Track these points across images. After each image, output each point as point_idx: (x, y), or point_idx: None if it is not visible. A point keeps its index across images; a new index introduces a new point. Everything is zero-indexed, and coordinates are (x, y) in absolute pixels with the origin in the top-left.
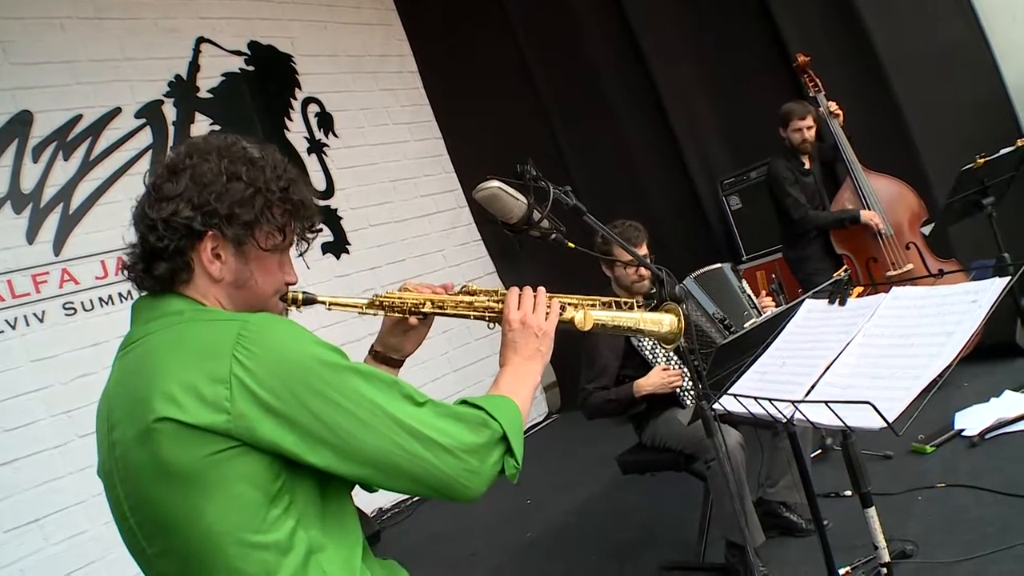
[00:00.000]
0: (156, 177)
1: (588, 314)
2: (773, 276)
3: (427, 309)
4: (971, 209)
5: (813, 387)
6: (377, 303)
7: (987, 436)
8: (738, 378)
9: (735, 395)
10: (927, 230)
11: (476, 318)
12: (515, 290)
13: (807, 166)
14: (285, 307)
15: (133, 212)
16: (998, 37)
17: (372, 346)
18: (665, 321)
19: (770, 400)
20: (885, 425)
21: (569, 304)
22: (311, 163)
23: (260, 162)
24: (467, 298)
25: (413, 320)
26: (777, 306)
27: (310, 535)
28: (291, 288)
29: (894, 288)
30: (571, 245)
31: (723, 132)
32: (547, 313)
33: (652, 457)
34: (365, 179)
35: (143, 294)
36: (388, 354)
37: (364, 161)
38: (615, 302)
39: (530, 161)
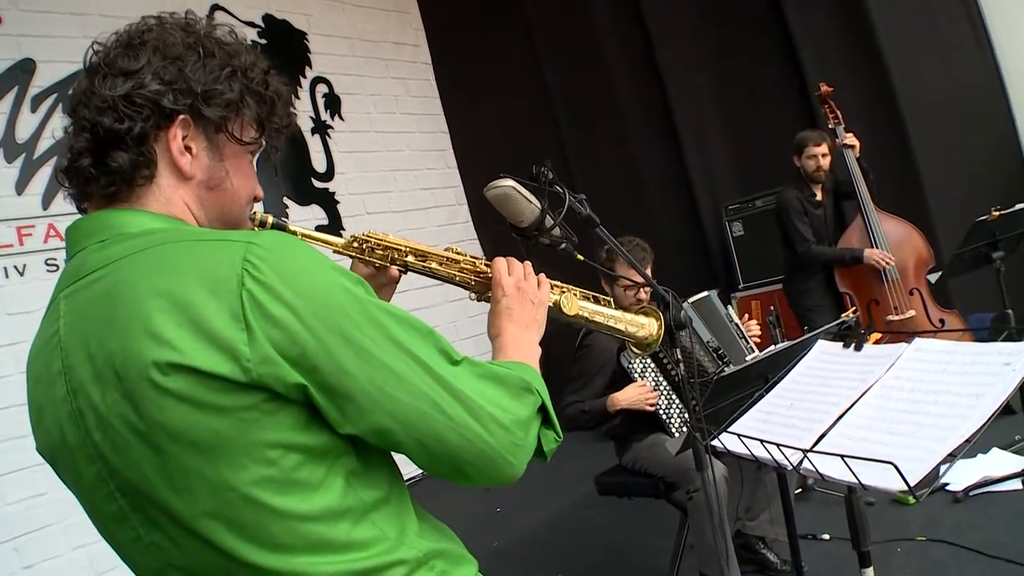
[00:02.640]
0: (101, 55)
1: (572, 299)
2: (772, 308)
3: (411, 260)
4: (980, 261)
5: (823, 436)
6: (356, 244)
7: (972, 493)
8: (740, 415)
9: (739, 435)
10: (933, 278)
11: (460, 281)
12: (501, 257)
13: (819, 197)
14: (252, 228)
15: (69, 99)
16: (1017, 90)
17: None
18: (645, 323)
19: (778, 445)
20: (905, 488)
21: (555, 285)
22: (314, 143)
23: (234, 45)
24: (453, 256)
25: (394, 271)
26: (769, 338)
27: (360, 494)
28: (257, 210)
29: (917, 340)
30: (580, 257)
31: (733, 157)
32: (539, 284)
33: (631, 481)
34: (366, 166)
35: (85, 209)
36: None
37: (367, 147)
38: (594, 296)
39: (547, 163)
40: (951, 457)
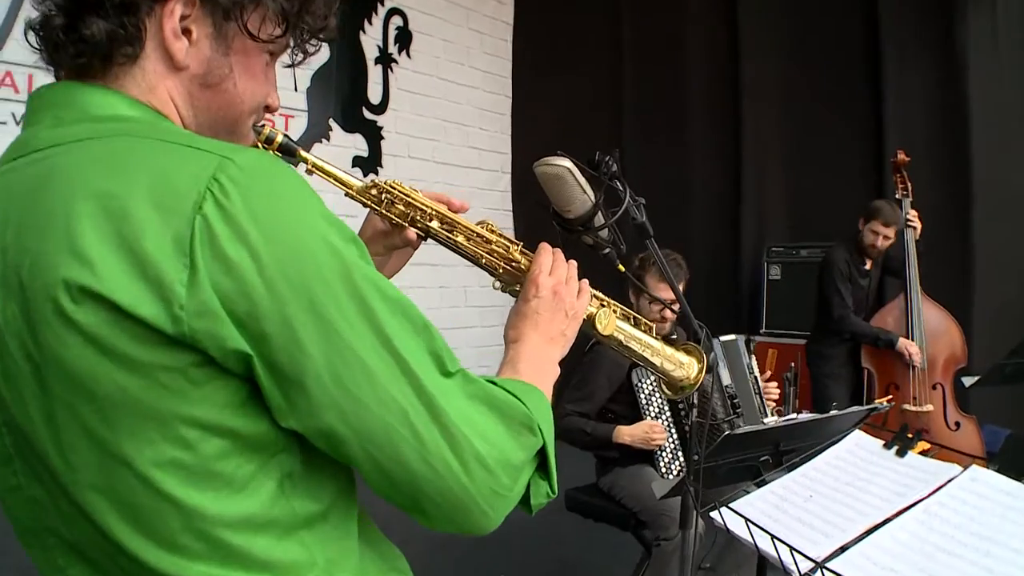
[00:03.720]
0: None
1: (612, 318)
2: (792, 365)
3: (434, 225)
4: (1021, 376)
5: (844, 548)
6: (375, 192)
7: None
8: (747, 491)
9: (747, 519)
10: (968, 381)
11: (487, 264)
12: (549, 248)
13: (868, 266)
14: (255, 142)
15: None
16: None
17: None
18: (684, 363)
19: (792, 549)
20: None
21: (595, 297)
22: (374, 73)
23: None
24: (486, 234)
25: (411, 233)
26: (783, 396)
27: (294, 504)
28: (268, 120)
29: (974, 467)
30: (621, 268)
31: (788, 199)
32: (579, 293)
33: (604, 506)
34: (422, 109)
35: (51, 81)
36: None
37: (428, 91)
38: (634, 317)
39: (616, 152)
40: None
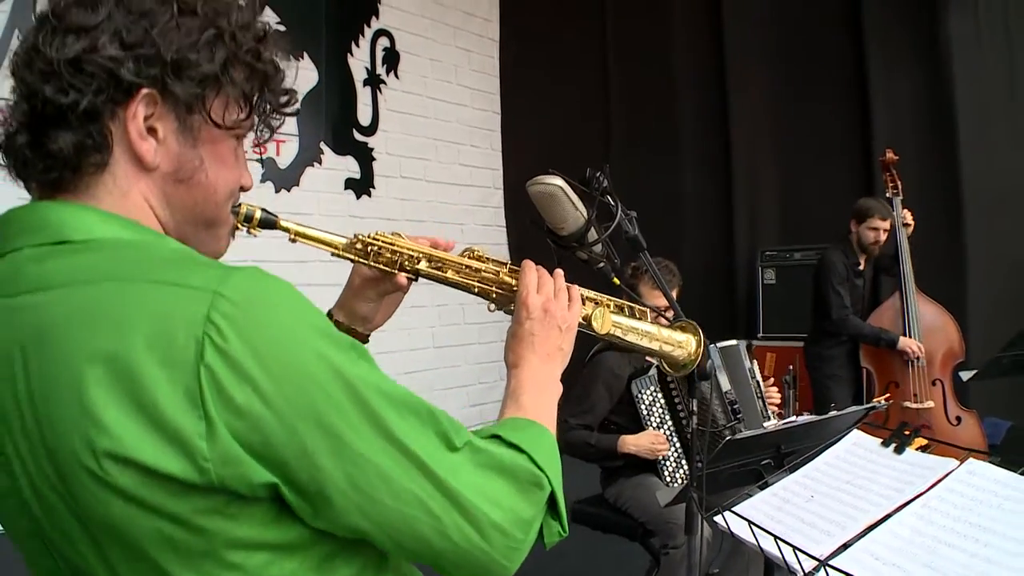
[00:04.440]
0: (55, 3)
1: (607, 315)
2: (790, 368)
3: (423, 267)
4: (1019, 370)
5: (846, 546)
6: (360, 246)
7: None
8: (749, 495)
9: (750, 521)
10: (966, 375)
11: (480, 292)
12: (532, 266)
13: (862, 267)
14: (235, 224)
15: (12, 56)
16: None
17: (331, 312)
18: (682, 341)
19: (795, 548)
20: None
21: (588, 299)
22: (364, 95)
23: (224, 1)
24: (474, 263)
25: (402, 278)
26: (783, 399)
27: (338, 572)
28: (244, 200)
29: (971, 460)
30: (616, 281)
31: (780, 203)
32: (570, 303)
33: (610, 517)
34: (411, 129)
35: (24, 198)
36: (352, 325)
37: (417, 111)
38: (628, 307)
39: (606, 168)
40: None
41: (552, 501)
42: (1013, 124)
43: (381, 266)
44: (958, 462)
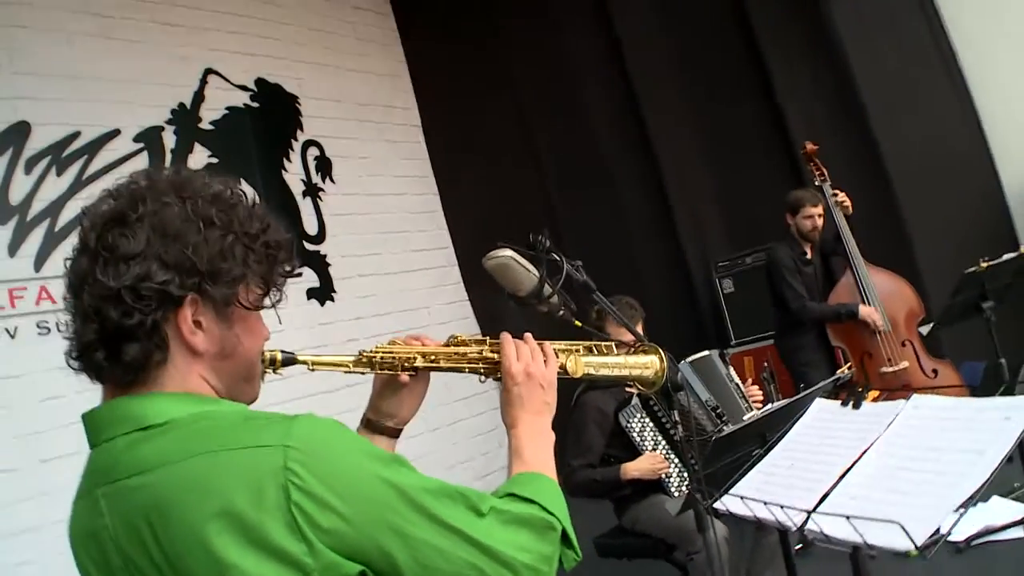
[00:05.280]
0: (98, 231)
1: (578, 360)
2: (765, 364)
3: (419, 364)
4: (970, 312)
5: (826, 495)
6: (365, 360)
7: (973, 543)
8: (741, 476)
9: (742, 496)
10: (925, 330)
11: (471, 371)
12: (509, 338)
13: (809, 255)
14: (263, 369)
15: (68, 276)
16: (999, 143)
17: (364, 415)
18: (647, 361)
19: (782, 507)
20: (912, 547)
21: (560, 351)
22: (305, 206)
23: (229, 198)
24: (460, 349)
25: (404, 377)
26: (766, 396)
27: None
28: (267, 348)
29: (915, 396)
30: (578, 324)
31: (722, 215)
32: (546, 360)
33: (632, 542)
34: (357, 228)
35: (102, 399)
36: (383, 422)
37: (358, 209)
38: (595, 346)
39: (545, 231)
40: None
41: (564, 536)
42: (910, 87)
43: (386, 371)
44: (905, 402)
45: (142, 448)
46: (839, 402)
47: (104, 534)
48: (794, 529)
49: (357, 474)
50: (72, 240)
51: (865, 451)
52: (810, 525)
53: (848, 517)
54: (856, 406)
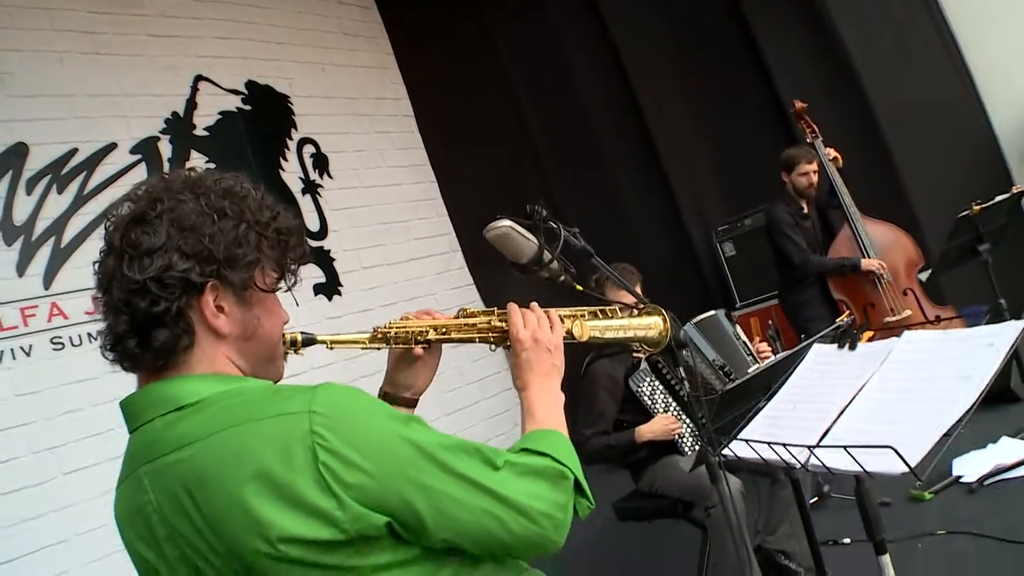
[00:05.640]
0: (121, 232)
1: (584, 324)
2: (770, 322)
3: (432, 336)
4: (967, 256)
5: (827, 432)
6: (380, 336)
7: (986, 483)
8: (747, 423)
9: (747, 440)
10: (924, 276)
11: (481, 340)
12: (515, 307)
13: (806, 210)
14: (285, 350)
15: (98, 276)
16: (988, 89)
17: (381, 388)
18: (651, 323)
19: (784, 445)
20: (906, 470)
21: (565, 316)
22: (305, 204)
23: (240, 191)
24: (469, 320)
25: (418, 350)
26: (774, 352)
27: None
28: (287, 330)
29: (906, 332)
30: (579, 288)
31: (718, 180)
32: (552, 326)
33: (650, 504)
34: (359, 221)
35: (137, 385)
36: (399, 394)
37: (358, 203)
38: (599, 310)
39: (541, 201)
40: (947, 437)
41: (577, 485)
42: (899, 39)
43: (400, 345)
44: (897, 339)
45: (178, 426)
46: (835, 345)
47: (149, 508)
48: (799, 467)
49: (378, 433)
50: (78, 255)
51: (862, 388)
52: (813, 461)
53: (846, 447)
54: (852, 347)
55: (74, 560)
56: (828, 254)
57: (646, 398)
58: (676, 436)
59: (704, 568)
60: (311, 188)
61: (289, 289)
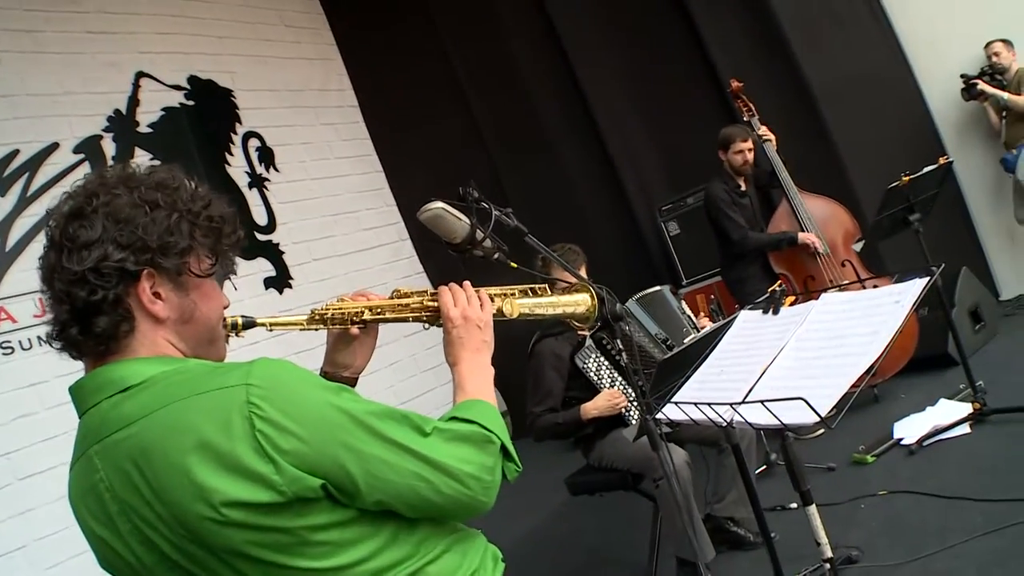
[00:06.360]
0: (60, 227)
1: (513, 303)
2: (712, 297)
3: (367, 316)
4: (899, 226)
5: (751, 391)
6: (317, 317)
7: (924, 443)
8: (678, 389)
9: (676, 403)
10: (858, 247)
11: (414, 319)
12: (445, 288)
13: (743, 188)
14: (226, 333)
15: (41, 272)
16: (920, 63)
17: (321, 369)
18: (580, 299)
19: (709, 404)
20: (819, 419)
21: (495, 295)
22: (252, 197)
23: (172, 183)
24: (403, 300)
25: (355, 330)
26: None
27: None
28: (227, 314)
29: (824, 295)
30: (513, 265)
31: (660, 160)
32: (481, 304)
33: (600, 478)
34: (307, 213)
35: (82, 373)
36: (339, 373)
37: (305, 195)
38: (530, 289)
39: (472, 183)
40: (855, 387)
41: (504, 450)
42: (831, 15)
43: (336, 326)
44: (815, 301)
45: (125, 406)
46: (760, 311)
47: (100, 486)
48: (724, 424)
49: (310, 402)
50: (24, 259)
51: (782, 349)
52: (736, 417)
53: (763, 402)
54: (775, 312)
55: (34, 565)
56: (768, 229)
57: (592, 374)
58: (622, 410)
59: (657, 540)
60: (258, 182)
61: (227, 276)
